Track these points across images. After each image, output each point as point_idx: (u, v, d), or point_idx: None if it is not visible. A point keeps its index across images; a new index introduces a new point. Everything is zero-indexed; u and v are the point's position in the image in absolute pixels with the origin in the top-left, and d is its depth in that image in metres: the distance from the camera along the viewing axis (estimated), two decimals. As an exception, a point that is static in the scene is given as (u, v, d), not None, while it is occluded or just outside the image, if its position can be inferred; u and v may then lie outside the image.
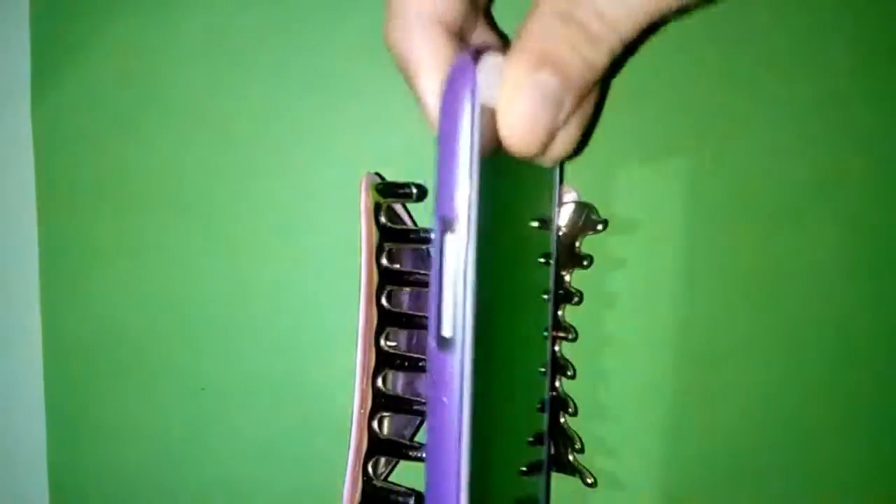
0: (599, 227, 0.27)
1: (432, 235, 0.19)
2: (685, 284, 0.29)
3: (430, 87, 0.21)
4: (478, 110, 0.18)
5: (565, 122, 0.20)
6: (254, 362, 0.29)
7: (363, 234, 0.24)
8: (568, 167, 0.28)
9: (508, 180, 0.21)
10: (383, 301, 0.24)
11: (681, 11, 0.20)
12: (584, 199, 0.27)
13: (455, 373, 0.18)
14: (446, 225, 0.18)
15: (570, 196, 0.27)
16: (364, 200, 0.24)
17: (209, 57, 0.29)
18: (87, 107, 0.29)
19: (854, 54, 0.29)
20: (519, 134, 0.19)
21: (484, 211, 0.19)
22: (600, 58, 0.20)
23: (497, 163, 0.20)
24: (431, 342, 0.19)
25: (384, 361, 0.24)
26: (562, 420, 0.27)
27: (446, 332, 0.19)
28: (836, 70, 0.29)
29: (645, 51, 0.28)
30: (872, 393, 0.29)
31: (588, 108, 0.23)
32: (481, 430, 0.19)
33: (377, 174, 0.25)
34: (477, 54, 0.18)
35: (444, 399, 0.19)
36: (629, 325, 0.29)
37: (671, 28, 0.28)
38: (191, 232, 0.29)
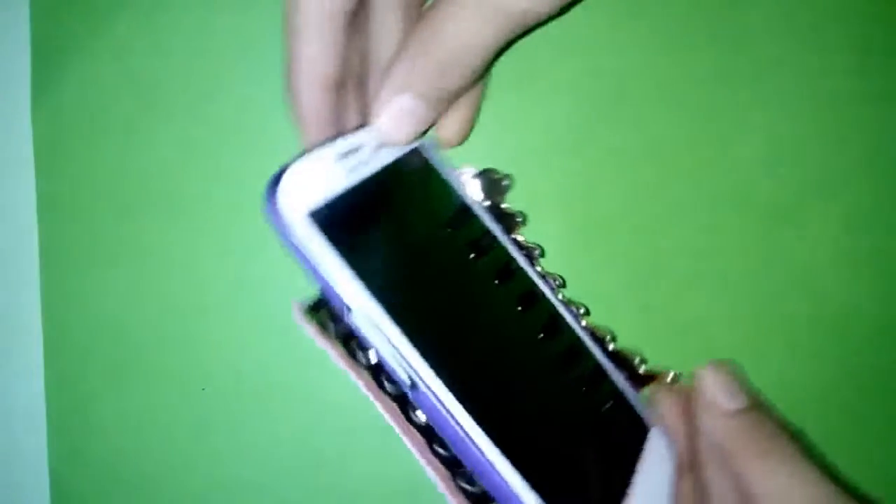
0: (505, 182, 0.27)
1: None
2: (689, 285, 0.29)
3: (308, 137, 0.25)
4: (297, 219, 0.20)
5: (438, 118, 0.24)
6: (254, 362, 0.29)
7: (331, 354, 0.24)
8: (577, 167, 0.28)
9: (394, 228, 0.24)
10: (387, 387, 0.24)
11: (537, 26, 0.22)
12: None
13: (435, 401, 0.21)
14: (348, 311, 0.21)
15: (468, 172, 0.27)
16: (309, 329, 0.25)
17: (209, 57, 0.29)
18: (87, 107, 0.29)
19: (854, 54, 0.29)
20: (386, 136, 0.24)
21: (369, 276, 0.21)
22: (456, 83, 0.23)
23: (369, 224, 0.23)
24: (406, 391, 0.21)
25: (428, 433, 0.24)
26: (611, 347, 0.27)
27: (407, 381, 0.21)
28: (836, 69, 0.29)
29: (645, 49, 0.29)
30: (874, 393, 0.30)
31: (475, 96, 0.26)
32: (483, 419, 0.21)
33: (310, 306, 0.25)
34: (278, 176, 0.21)
35: (442, 423, 0.21)
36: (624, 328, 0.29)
37: (671, 26, 0.28)
38: (191, 232, 0.29)
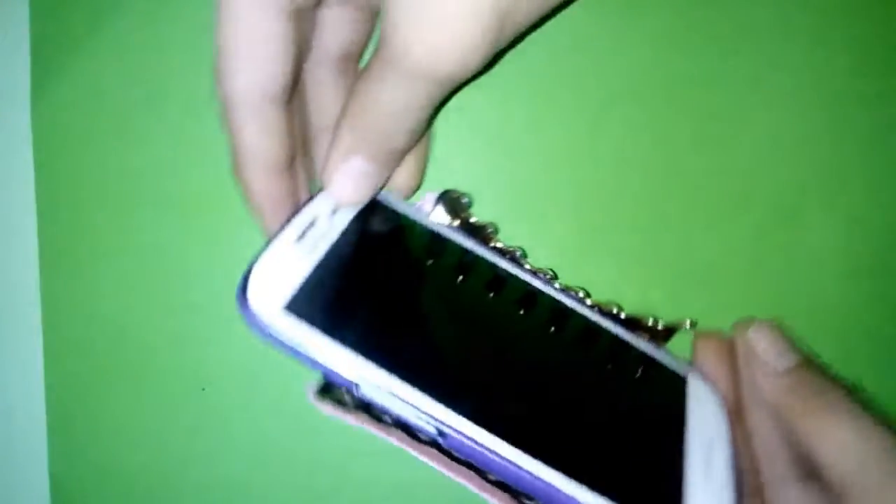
0: (465, 199, 0.27)
1: None
2: (688, 285, 0.29)
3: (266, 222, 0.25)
4: (274, 317, 0.20)
5: (391, 174, 0.25)
6: (254, 362, 0.29)
7: (357, 424, 0.24)
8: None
9: (374, 284, 0.23)
10: (422, 437, 0.24)
11: (473, 78, 0.22)
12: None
13: (467, 442, 0.20)
14: (356, 387, 0.21)
15: (428, 200, 0.27)
16: (327, 409, 0.24)
17: (209, 56, 0.29)
18: (87, 106, 0.29)
19: (855, 54, 0.29)
20: (342, 200, 0.24)
21: (364, 345, 0.21)
22: (401, 142, 0.23)
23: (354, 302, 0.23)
24: (438, 440, 0.21)
25: (467, 463, 0.24)
26: (623, 316, 0.27)
27: (435, 432, 0.21)
28: (836, 69, 0.29)
29: (646, 48, 0.29)
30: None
31: (422, 147, 0.26)
32: (521, 440, 0.21)
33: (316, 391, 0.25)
34: (245, 281, 0.21)
35: (482, 459, 0.21)
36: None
37: (670, 26, 0.28)
38: (191, 231, 0.29)
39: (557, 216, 0.29)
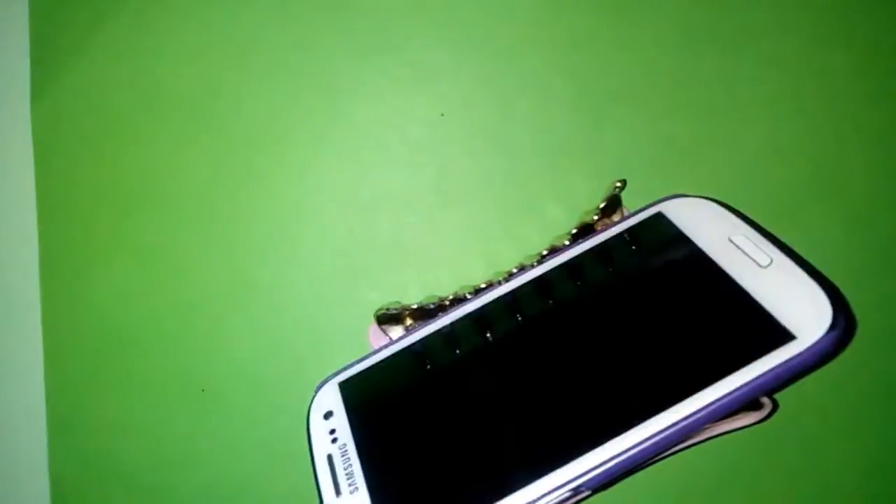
0: (391, 308, 0.27)
1: None
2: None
3: None
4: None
5: None
6: (254, 362, 0.29)
7: None
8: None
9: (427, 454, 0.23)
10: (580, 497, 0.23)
11: None
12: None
13: (608, 469, 0.20)
14: None
15: (376, 335, 0.27)
16: None
17: (208, 57, 0.29)
18: (87, 107, 0.29)
19: (854, 53, 0.29)
20: None
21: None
22: None
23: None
24: (585, 495, 0.21)
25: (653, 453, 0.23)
26: (573, 234, 0.27)
27: (571, 493, 0.20)
28: (836, 69, 0.29)
29: (646, 48, 0.29)
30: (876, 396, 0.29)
31: None
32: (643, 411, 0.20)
33: None
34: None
35: (634, 460, 0.20)
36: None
37: (672, 26, 0.28)
38: (190, 232, 0.29)
39: (557, 214, 0.29)
